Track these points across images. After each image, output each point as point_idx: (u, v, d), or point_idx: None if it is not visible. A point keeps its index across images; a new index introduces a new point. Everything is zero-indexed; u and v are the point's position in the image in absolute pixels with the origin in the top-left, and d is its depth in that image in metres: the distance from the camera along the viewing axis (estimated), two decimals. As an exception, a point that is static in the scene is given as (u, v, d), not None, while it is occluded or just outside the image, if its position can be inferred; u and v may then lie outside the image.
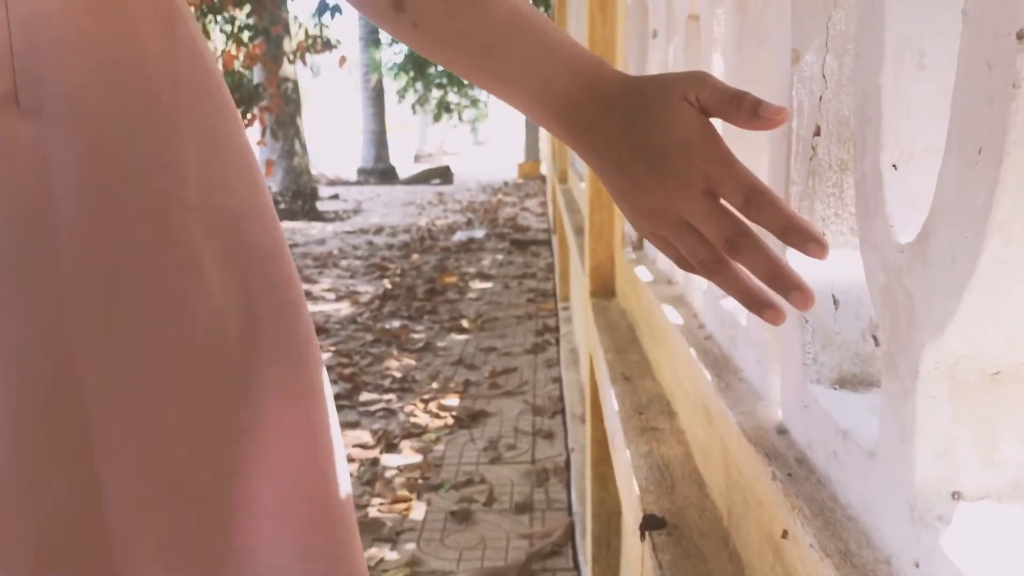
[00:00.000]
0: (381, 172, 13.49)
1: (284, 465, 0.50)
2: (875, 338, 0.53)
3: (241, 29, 7.50)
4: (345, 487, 0.55)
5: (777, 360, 0.64)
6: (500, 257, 6.29)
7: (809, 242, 0.43)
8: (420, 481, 2.43)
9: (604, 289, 1.54)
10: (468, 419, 2.89)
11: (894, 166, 0.43)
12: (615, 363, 1.13)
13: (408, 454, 2.62)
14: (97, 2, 0.44)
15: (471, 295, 4.97)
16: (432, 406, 3.01)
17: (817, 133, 0.55)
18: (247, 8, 7.25)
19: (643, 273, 1.23)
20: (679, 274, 1.11)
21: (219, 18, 7.07)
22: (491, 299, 4.84)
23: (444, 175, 13.47)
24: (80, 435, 0.43)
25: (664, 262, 1.22)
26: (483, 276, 5.52)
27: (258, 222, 0.51)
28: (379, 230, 7.83)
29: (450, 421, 2.88)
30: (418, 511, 2.25)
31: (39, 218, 0.42)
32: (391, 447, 2.69)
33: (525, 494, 2.34)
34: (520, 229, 7.65)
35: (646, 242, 1.34)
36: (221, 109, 0.51)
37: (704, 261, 0.48)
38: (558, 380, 3.28)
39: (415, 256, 6.32)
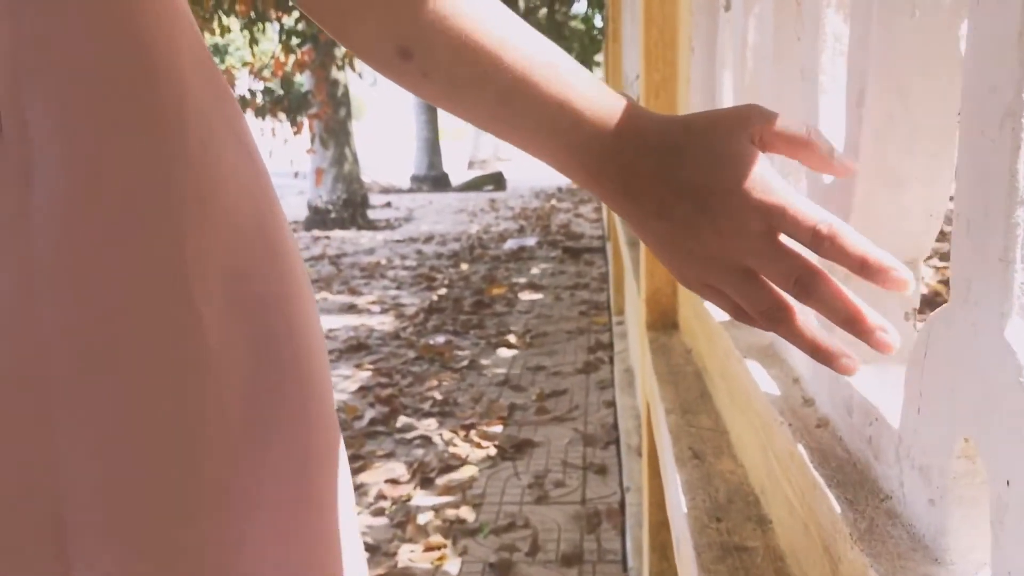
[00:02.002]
0: (434, 179, 13.37)
1: (275, 543, 0.44)
2: None
3: (290, 35, 7.41)
4: (354, 567, 0.50)
5: (973, 501, 0.37)
6: (551, 266, 6.04)
7: (891, 274, 0.40)
8: (456, 524, 2.18)
9: (664, 320, 1.27)
10: (512, 450, 2.64)
11: None
12: (681, 430, 0.86)
13: (445, 491, 2.38)
14: (94, 27, 0.39)
15: (520, 307, 4.72)
16: (473, 434, 2.76)
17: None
18: (296, 14, 7.15)
19: (715, 308, 0.96)
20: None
21: (266, 25, 6.98)
22: (541, 312, 4.59)
23: (497, 181, 13.27)
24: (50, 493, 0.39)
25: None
26: (533, 287, 5.27)
27: (269, 267, 0.46)
28: (429, 238, 7.65)
29: (492, 452, 2.64)
30: (453, 563, 2.00)
31: (16, 251, 0.37)
32: (427, 482, 2.45)
33: (574, 542, 2.08)
34: (573, 236, 7.38)
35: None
36: (236, 140, 0.46)
37: (767, 311, 0.43)
38: (612, 405, 3.00)
39: (464, 266, 6.10)
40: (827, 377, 0.59)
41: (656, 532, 1.32)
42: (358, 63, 7.96)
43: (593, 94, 0.45)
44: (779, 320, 0.43)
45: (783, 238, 0.42)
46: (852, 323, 0.41)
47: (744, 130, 0.43)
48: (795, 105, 0.75)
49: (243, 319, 0.44)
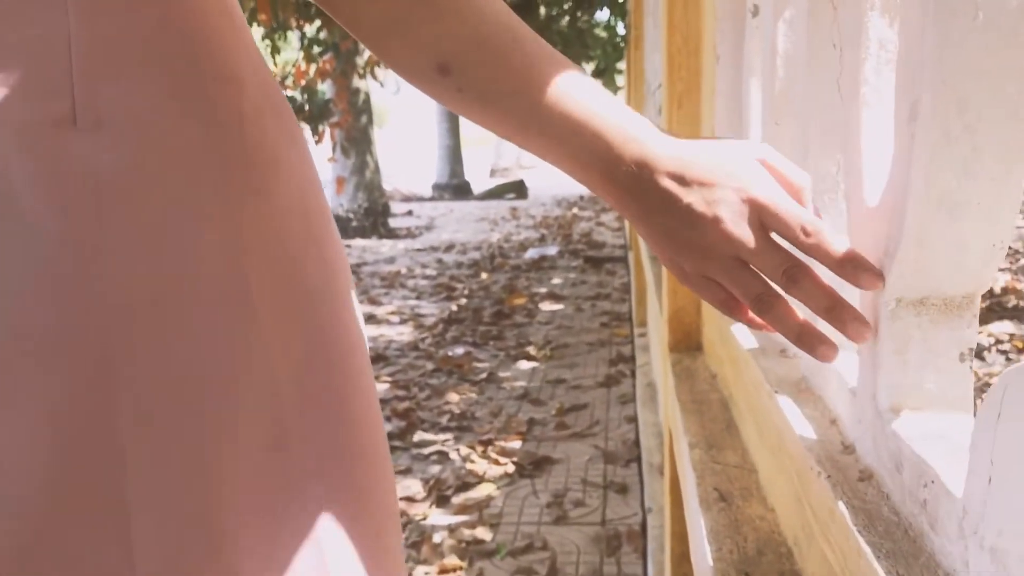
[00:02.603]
0: (455, 187, 13.35)
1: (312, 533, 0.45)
2: None
3: (311, 44, 7.42)
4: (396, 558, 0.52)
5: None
6: (573, 276, 5.97)
7: (864, 272, 0.46)
8: (473, 545, 2.12)
9: (687, 342, 1.21)
10: (530, 467, 2.58)
11: None
12: (705, 467, 0.80)
13: (461, 510, 2.32)
14: (164, 25, 0.42)
15: (540, 318, 4.66)
16: (491, 450, 2.71)
17: None
18: (317, 23, 7.15)
19: (742, 333, 0.90)
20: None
21: (288, 34, 6.99)
22: (561, 323, 4.52)
23: (518, 189, 13.22)
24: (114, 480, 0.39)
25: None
26: (554, 297, 5.21)
27: (317, 262, 0.48)
28: (449, 247, 7.61)
29: (510, 469, 2.57)
30: (467, 586, 1.94)
31: (87, 238, 0.39)
32: (443, 500, 2.39)
33: (593, 565, 2.01)
34: (595, 245, 7.31)
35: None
36: (289, 137, 0.49)
37: (759, 296, 0.47)
38: (633, 420, 2.93)
39: (484, 275, 6.05)
40: (870, 422, 0.53)
41: (678, 564, 1.26)
42: (379, 71, 7.96)
43: (615, 110, 0.49)
44: (769, 306, 0.47)
45: (774, 235, 0.47)
46: (832, 311, 0.46)
47: (750, 149, 0.49)
48: (833, 118, 0.69)
49: (295, 312, 0.46)
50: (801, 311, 0.50)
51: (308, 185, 0.49)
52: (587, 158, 0.49)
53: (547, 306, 4.97)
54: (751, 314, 0.50)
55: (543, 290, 5.45)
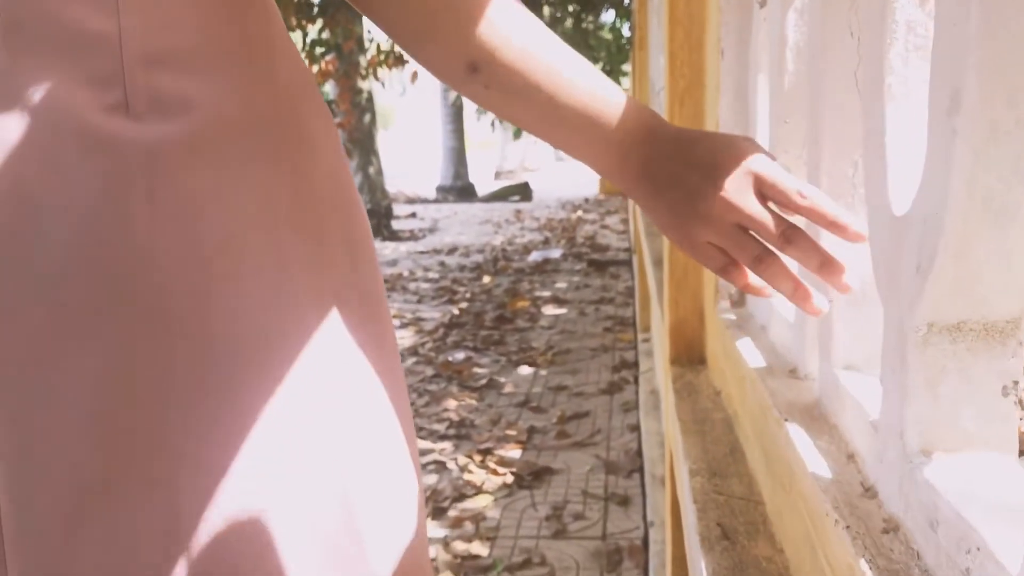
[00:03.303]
0: (460, 189, 13.28)
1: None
2: None
3: (313, 45, 7.36)
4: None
5: None
6: (576, 279, 5.90)
7: (851, 228, 0.50)
8: (468, 561, 2.05)
9: (689, 354, 1.14)
10: (530, 477, 2.50)
11: None
12: (707, 499, 0.73)
13: (457, 522, 2.25)
14: (212, 14, 0.45)
15: (543, 323, 4.59)
16: (490, 460, 2.63)
17: None
18: (319, 23, 7.10)
19: (748, 349, 0.83)
20: (810, 362, 0.70)
21: (290, 35, 6.93)
22: (564, 327, 4.45)
23: (523, 192, 13.15)
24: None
25: (778, 335, 0.82)
26: (557, 301, 5.13)
27: (347, 231, 0.52)
28: (452, 250, 7.54)
29: (509, 479, 2.50)
30: (462, 604, 1.87)
31: (137, 211, 0.42)
32: (439, 511, 2.32)
33: (592, 582, 1.94)
34: (599, 248, 7.23)
35: (749, 299, 0.94)
36: (322, 118, 0.52)
37: (758, 256, 0.52)
38: (636, 429, 2.86)
39: (487, 279, 5.98)
40: (895, 463, 0.46)
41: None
42: (382, 73, 7.90)
43: (626, 100, 0.54)
44: (767, 263, 0.52)
45: (771, 204, 0.52)
46: (825, 266, 0.51)
47: (746, 138, 0.54)
48: (849, 114, 0.62)
49: (326, 273, 0.49)
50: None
51: (338, 161, 0.53)
52: (603, 146, 0.54)
53: (550, 310, 4.90)
54: (749, 278, 0.55)
55: (546, 294, 5.38)
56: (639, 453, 2.64)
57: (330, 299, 0.48)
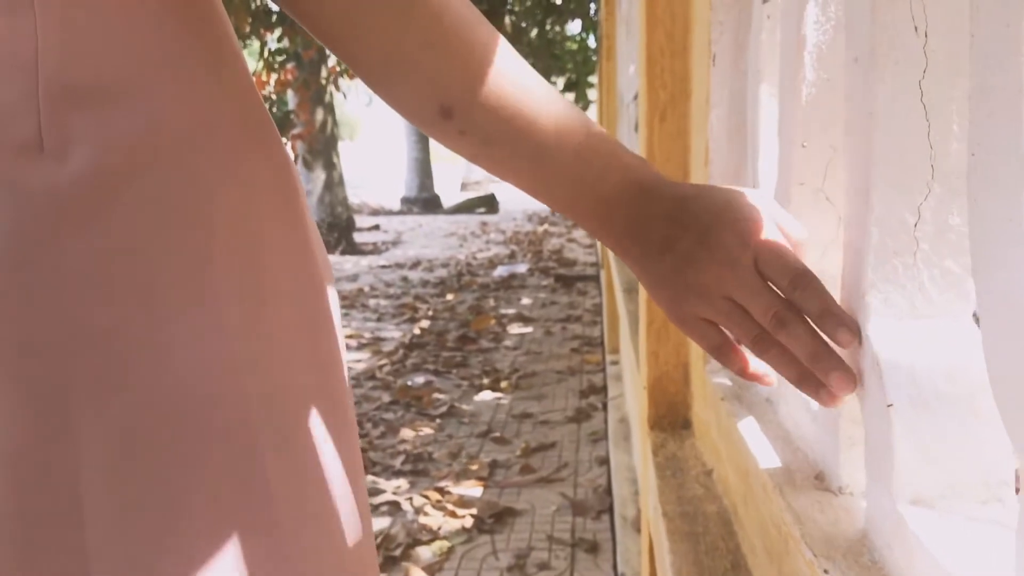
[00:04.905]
0: (425, 201, 13.09)
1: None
2: None
3: (272, 54, 7.14)
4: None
5: None
6: (543, 295, 5.73)
7: (840, 327, 0.45)
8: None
9: (672, 417, 0.96)
10: (491, 520, 2.31)
11: None
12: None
13: (412, 573, 2.05)
14: (137, 49, 0.40)
15: (507, 343, 4.40)
16: (448, 500, 2.43)
17: None
18: (278, 31, 6.88)
19: (752, 434, 0.65)
20: (846, 470, 0.53)
21: (245, 43, 6.71)
22: (530, 348, 4.27)
23: (489, 204, 12.99)
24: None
25: (791, 417, 0.64)
26: (523, 319, 4.95)
27: (290, 263, 0.46)
28: (416, 264, 7.34)
29: (468, 522, 2.30)
30: (411, 676, 1.67)
31: (50, 267, 0.38)
32: (390, 561, 2.12)
33: (559, 645, 1.75)
34: (566, 263, 7.08)
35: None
36: (269, 161, 0.46)
37: (758, 336, 0.47)
38: (605, 463, 2.68)
39: (450, 296, 5.78)
40: None
41: None
42: (344, 83, 7.69)
43: (616, 150, 0.49)
44: (770, 345, 0.47)
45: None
46: (816, 358, 0.45)
47: (748, 193, 0.49)
48: (911, 142, 0.44)
49: (263, 320, 0.43)
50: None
51: (283, 196, 0.46)
52: (589, 202, 0.49)
53: (515, 329, 4.72)
54: (748, 363, 0.50)
55: (511, 311, 5.20)
56: (608, 491, 2.46)
57: (267, 335, 0.42)
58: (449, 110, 0.46)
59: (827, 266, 0.67)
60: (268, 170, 0.45)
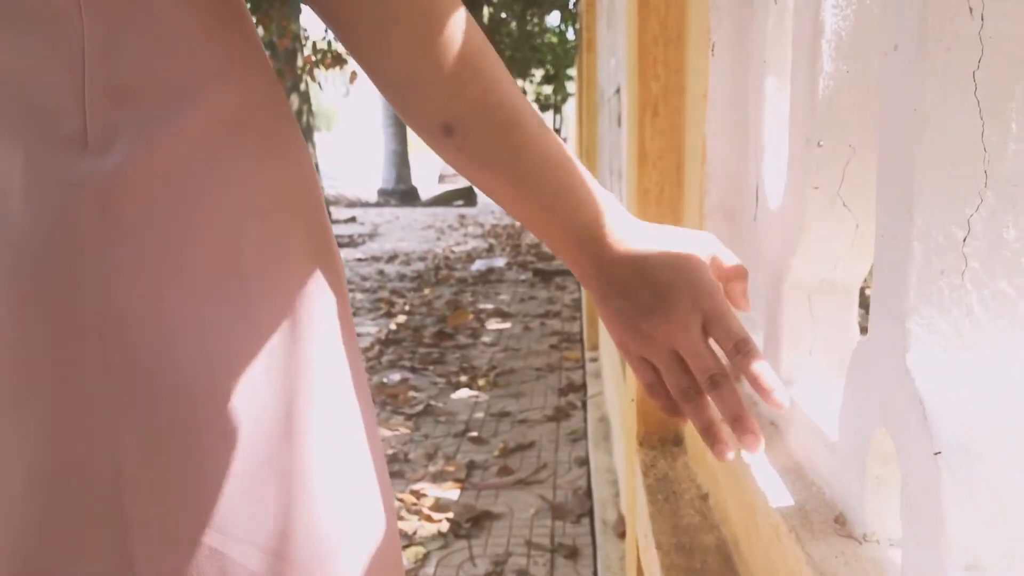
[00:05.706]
0: (402, 193, 12.97)
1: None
2: None
3: (246, 42, 6.99)
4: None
5: None
6: (521, 290, 5.67)
7: (773, 393, 0.52)
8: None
9: (662, 434, 0.90)
10: (468, 524, 2.24)
11: None
12: None
13: (385, 581, 1.98)
14: (182, 54, 0.43)
15: (485, 339, 4.34)
16: (424, 503, 2.37)
17: None
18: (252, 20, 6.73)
19: (757, 465, 0.59)
20: (872, 515, 0.46)
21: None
22: (508, 344, 4.21)
23: (467, 196, 12.89)
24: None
25: (802, 446, 0.58)
26: (501, 314, 4.89)
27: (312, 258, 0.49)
28: (392, 257, 7.25)
29: (445, 527, 2.24)
30: None
31: (93, 255, 0.40)
32: (364, 569, 2.04)
33: (538, 658, 1.69)
34: (544, 257, 7.02)
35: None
36: (292, 135, 0.50)
37: (686, 389, 0.53)
38: (585, 463, 2.62)
39: (427, 290, 5.70)
40: None
41: None
42: (318, 74, 7.56)
43: (592, 188, 0.53)
44: (692, 398, 0.53)
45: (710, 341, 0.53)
46: (738, 420, 0.52)
47: (702, 244, 0.56)
48: (965, 142, 0.38)
49: (289, 310, 0.46)
50: None
51: (297, 190, 0.49)
52: (558, 234, 0.53)
53: (493, 324, 4.66)
54: (672, 405, 0.55)
55: (489, 306, 5.13)
56: (588, 493, 2.40)
57: (296, 323, 0.46)
58: (451, 128, 0.49)
59: (840, 275, 0.60)
60: (296, 172, 0.48)
